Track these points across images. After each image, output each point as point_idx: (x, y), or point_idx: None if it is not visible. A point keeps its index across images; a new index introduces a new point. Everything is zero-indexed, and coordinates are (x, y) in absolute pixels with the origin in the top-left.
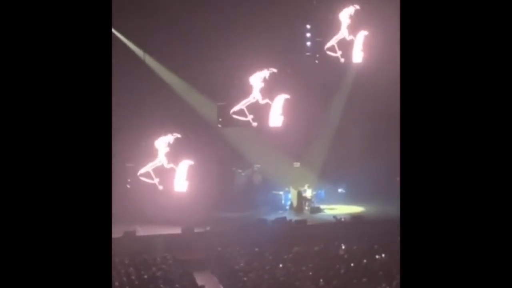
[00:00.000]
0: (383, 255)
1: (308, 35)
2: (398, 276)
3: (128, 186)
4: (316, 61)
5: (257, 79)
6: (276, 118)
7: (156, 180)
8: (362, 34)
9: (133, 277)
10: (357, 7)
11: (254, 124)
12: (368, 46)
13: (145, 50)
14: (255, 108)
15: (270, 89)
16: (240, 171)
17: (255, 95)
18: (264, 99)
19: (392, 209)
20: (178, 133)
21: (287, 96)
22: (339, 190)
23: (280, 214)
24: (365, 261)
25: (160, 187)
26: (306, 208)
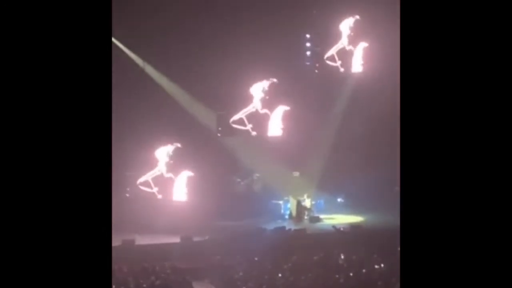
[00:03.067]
0: (382, 265)
1: (308, 44)
2: (397, 286)
3: (127, 195)
4: (316, 71)
5: (258, 88)
6: (275, 127)
7: (155, 189)
8: (362, 45)
9: (131, 286)
10: (358, 17)
11: (254, 133)
12: (367, 57)
13: (145, 59)
14: (254, 117)
15: (270, 98)
16: (239, 180)
17: (255, 105)
18: (264, 109)
19: (391, 218)
20: (178, 142)
21: (286, 106)
22: (339, 199)
23: (279, 223)
24: (364, 270)
25: (159, 196)
26: (306, 217)
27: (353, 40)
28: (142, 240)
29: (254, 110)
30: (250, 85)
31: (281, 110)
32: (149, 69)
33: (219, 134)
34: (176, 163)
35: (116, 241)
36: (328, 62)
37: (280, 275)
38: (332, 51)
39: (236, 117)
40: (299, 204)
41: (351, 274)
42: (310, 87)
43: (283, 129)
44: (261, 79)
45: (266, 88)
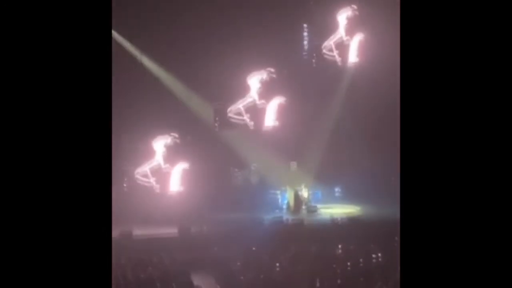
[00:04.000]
0: (379, 255)
1: (305, 35)
2: (395, 276)
3: (125, 185)
4: (313, 61)
5: (254, 79)
6: (272, 118)
7: (152, 180)
8: (359, 36)
9: (129, 277)
10: (354, 7)
11: (251, 124)
12: (364, 47)
13: (142, 50)
14: (252, 109)
15: (267, 89)
16: (236, 171)
17: (252, 96)
18: (261, 100)
19: (388, 209)
20: (176, 134)
21: (284, 97)
22: (336, 190)
23: (277, 214)
24: (361, 261)
25: (157, 187)
26: (303, 208)
27: (350, 31)
28: (140, 231)
29: (251, 101)
30: (247, 76)
31: (278, 101)
32: (146, 61)
33: (216, 125)
34: (173, 154)
35: (113, 233)
36: (325, 52)
37: (277, 265)
38: (330, 41)
39: (233, 108)
40: (296, 195)
41: (348, 265)
42: (308, 78)
43: (280, 120)
44: (258, 70)
45: (264, 79)
